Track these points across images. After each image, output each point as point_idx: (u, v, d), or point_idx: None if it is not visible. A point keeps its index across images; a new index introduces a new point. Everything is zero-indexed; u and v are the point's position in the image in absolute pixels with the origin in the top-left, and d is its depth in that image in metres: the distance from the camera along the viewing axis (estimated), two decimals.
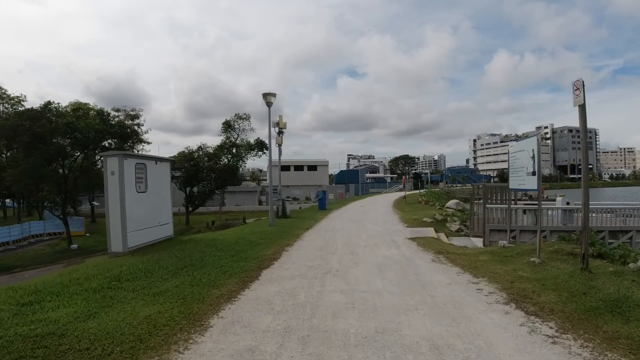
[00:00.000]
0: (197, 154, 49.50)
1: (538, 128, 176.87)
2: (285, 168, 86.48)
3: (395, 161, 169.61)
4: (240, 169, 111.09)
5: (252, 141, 56.20)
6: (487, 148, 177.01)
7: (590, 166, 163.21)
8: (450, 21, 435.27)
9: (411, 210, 21.66)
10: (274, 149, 18.37)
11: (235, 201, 66.96)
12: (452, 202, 21.47)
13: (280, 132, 18.46)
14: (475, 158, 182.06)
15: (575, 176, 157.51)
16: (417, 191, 53.11)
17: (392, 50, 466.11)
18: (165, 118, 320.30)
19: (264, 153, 57.14)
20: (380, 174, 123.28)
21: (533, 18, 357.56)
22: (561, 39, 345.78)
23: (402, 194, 55.48)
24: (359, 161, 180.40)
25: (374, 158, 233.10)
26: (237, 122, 55.97)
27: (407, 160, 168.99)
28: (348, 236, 12.40)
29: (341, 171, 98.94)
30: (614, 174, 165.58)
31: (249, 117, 55.58)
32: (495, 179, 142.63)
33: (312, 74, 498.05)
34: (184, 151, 49.09)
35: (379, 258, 8.92)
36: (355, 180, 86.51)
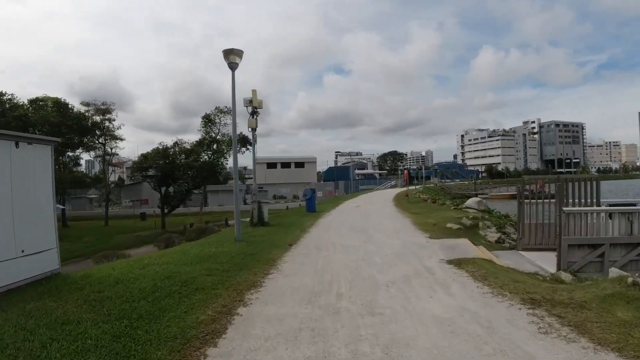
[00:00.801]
0: (172, 150, 44.42)
1: (525, 123, 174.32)
2: (271, 165, 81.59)
3: (384, 157, 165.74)
4: (227, 167, 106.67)
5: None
6: (474, 143, 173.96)
7: (577, 160, 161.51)
8: (435, 18, 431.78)
9: (421, 212, 17.12)
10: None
11: (218, 201, 61.89)
12: (472, 201, 17.00)
13: (254, 113, 13.73)
14: (463, 153, 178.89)
15: (562, 170, 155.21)
16: (414, 187, 48.80)
17: (378, 47, 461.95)
18: (150, 117, 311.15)
19: (248, 149, 52.32)
20: (370, 171, 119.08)
21: (518, 14, 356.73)
22: (546, 34, 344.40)
23: (396, 190, 51.09)
24: (351, 158, 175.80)
25: (361, 155, 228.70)
26: (217, 116, 51.01)
27: (395, 156, 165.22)
28: (353, 260, 7.75)
29: (330, 168, 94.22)
30: (600, 167, 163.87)
31: (230, 110, 50.65)
32: (484, 174, 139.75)
33: (299, 71, 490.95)
34: (157, 147, 43.91)
35: (430, 327, 4.27)
36: (345, 177, 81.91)
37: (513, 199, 55.59)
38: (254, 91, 13.59)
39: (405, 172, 23.32)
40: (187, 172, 42.50)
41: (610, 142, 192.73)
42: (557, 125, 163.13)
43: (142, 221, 51.38)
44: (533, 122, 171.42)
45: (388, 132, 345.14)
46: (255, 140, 14.28)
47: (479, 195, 56.69)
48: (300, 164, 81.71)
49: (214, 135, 50.03)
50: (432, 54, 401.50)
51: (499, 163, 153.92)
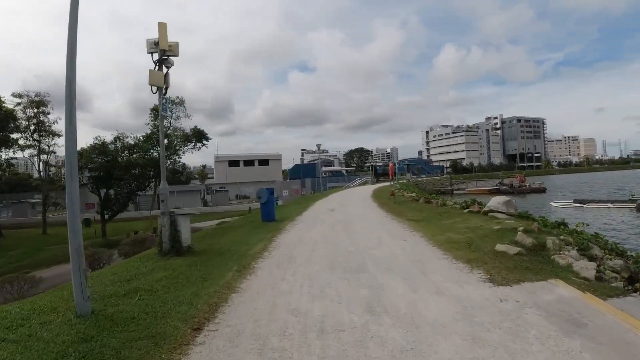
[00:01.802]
0: (113, 145, 37.53)
1: (488, 119, 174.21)
2: (233, 163, 75.02)
3: (350, 154, 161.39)
4: (191, 167, 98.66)
5: (188, 131, 44.77)
6: (439, 139, 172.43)
7: (538, 154, 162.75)
8: (399, 16, 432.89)
9: (424, 219, 11.78)
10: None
11: (174, 202, 54.84)
12: (497, 202, 11.76)
13: (163, 61, 7.93)
14: (428, 149, 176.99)
15: (524, 164, 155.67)
16: (389, 183, 44.00)
17: (342, 45, 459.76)
18: (110, 116, 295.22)
19: (204, 144, 45.87)
20: (337, 167, 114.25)
21: (479, 12, 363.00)
22: (506, 32, 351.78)
23: (369, 188, 45.95)
24: (318, 155, 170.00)
25: (327, 152, 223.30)
26: (168, 107, 44.25)
27: (362, 153, 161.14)
28: None
29: (296, 165, 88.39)
30: (561, 161, 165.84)
31: (183, 101, 44.01)
32: (449, 169, 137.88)
33: (263, 68, 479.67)
34: (94, 142, 36.74)
35: None
36: (312, 175, 76.25)
37: (492, 194, 51.62)
38: (161, 24, 7.79)
39: (390, 165, 17.89)
40: (131, 171, 35.84)
41: (569, 137, 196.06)
42: (519, 120, 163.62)
43: (87, 228, 44.27)
44: (495, 117, 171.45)
45: (354, 129, 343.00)
46: (165, 107, 8.50)
47: (454, 192, 52.31)
48: (264, 162, 75.44)
49: (165, 129, 43.29)
50: (396, 52, 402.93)
51: (464, 158, 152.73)
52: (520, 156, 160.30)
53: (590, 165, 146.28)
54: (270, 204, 13.64)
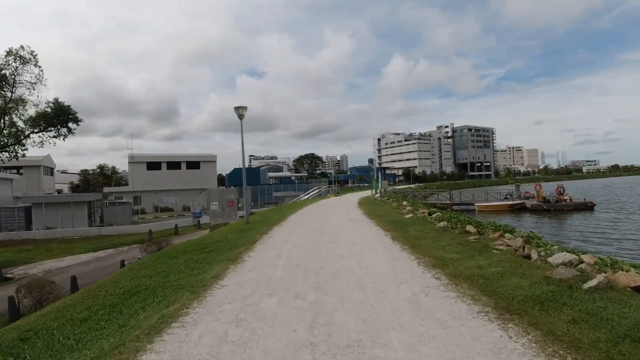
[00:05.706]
0: None
1: (439, 127, 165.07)
2: (153, 165, 55.00)
3: (300, 160, 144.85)
4: (118, 170, 76.82)
5: (44, 107, 26.00)
6: (391, 147, 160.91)
7: (487, 163, 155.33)
8: (349, 27, 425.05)
9: None
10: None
11: (44, 221, 35.06)
12: None
13: None
14: (380, 157, 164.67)
15: (475, 173, 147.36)
16: (372, 193, 27.82)
17: (292, 51, 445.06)
18: None
19: (71, 131, 27.37)
20: (286, 173, 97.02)
21: (428, 24, 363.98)
22: (453, 45, 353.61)
23: (339, 201, 29.40)
24: (266, 162, 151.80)
25: (277, 159, 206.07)
26: (11, 67, 25.27)
27: (312, 159, 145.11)
28: None
29: (235, 169, 69.43)
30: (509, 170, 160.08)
31: (36, 58, 25.10)
32: (401, 177, 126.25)
33: (210, 72, 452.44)
34: None
35: None
36: (255, 182, 58.65)
37: (515, 212, 34.71)
38: None
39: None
40: None
41: (513, 148, 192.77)
42: (470, 130, 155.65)
43: None
44: (447, 126, 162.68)
45: (303, 136, 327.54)
46: None
47: (454, 206, 36.61)
48: (194, 164, 56.58)
49: (4, 100, 24.19)
50: (346, 61, 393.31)
51: (416, 167, 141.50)
52: (470, 165, 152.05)
53: (548, 174, 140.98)
54: None
